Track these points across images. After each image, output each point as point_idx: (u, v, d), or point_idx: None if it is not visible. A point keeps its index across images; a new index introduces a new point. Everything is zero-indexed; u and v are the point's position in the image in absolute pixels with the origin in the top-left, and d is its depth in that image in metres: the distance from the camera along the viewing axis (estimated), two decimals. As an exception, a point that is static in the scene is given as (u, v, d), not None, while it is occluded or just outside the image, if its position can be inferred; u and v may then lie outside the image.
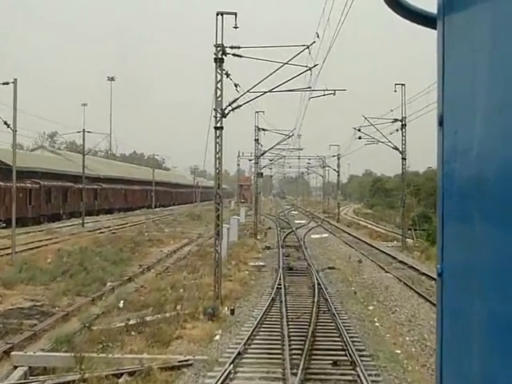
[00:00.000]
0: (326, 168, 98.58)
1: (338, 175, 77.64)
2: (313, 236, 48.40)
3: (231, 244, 37.71)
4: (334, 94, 24.61)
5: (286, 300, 20.21)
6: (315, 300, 20.06)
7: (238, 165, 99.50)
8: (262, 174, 68.76)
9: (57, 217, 62.31)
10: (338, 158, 76.08)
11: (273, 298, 20.50)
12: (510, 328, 1.19)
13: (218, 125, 20.44)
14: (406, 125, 40.49)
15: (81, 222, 58.53)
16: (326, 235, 49.18)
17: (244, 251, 35.66)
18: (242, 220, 62.31)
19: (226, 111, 20.72)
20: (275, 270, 28.00)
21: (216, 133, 20.44)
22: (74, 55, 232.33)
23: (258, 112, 46.03)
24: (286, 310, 18.62)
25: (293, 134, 47.26)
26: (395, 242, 44.82)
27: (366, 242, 43.01)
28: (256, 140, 46.52)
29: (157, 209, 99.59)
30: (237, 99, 20.94)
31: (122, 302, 19.76)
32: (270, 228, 57.53)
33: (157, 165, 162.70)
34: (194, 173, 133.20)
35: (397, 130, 41.42)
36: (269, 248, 38.56)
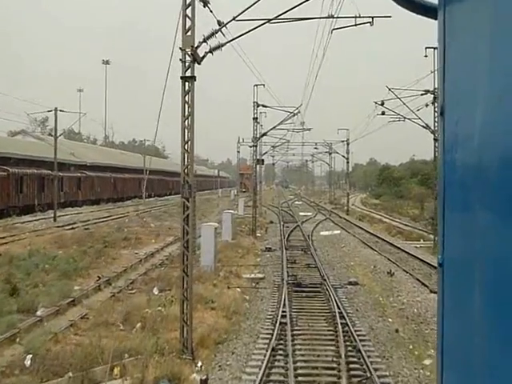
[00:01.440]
0: (333, 155, 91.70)
1: (348, 162, 70.05)
2: (322, 233, 40.83)
3: (224, 245, 30.32)
4: (372, 23, 16.42)
5: (294, 352, 12.71)
6: (342, 353, 12.55)
7: (238, 151, 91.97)
8: (262, 160, 61.23)
9: (30, 209, 54.82)
10: (348, 144, 68.54)
11: (273, 349, 12.98)
12: (510, 318, 1.20)
13: (188, 74, 12.90)
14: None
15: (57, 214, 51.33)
16: (338, 232, 41.61)
17: (238, 255, 28.13)
18: (241, 212, 54.94)
19: (201, 53, 13.17)
20: (277, 287, 20.58)
21: (184, 85, 12.91)
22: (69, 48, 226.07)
23: (257, 85, 38.49)
24: (296, 377, 11.15)
25: (299, 112, 39.61)
26: (422, 242, 37.37)
27: (387, 241, 35.46)
28: (255, 119, 38.76)
29: (151, 199, 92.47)
30: (216, 32, 13.24)
31: (29, 357, 12.28)
32: (271, 222, 50.03)
33: (157, 153, 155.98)
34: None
35: (426, 105, 34.02)
36: (270, 250, 31.03)
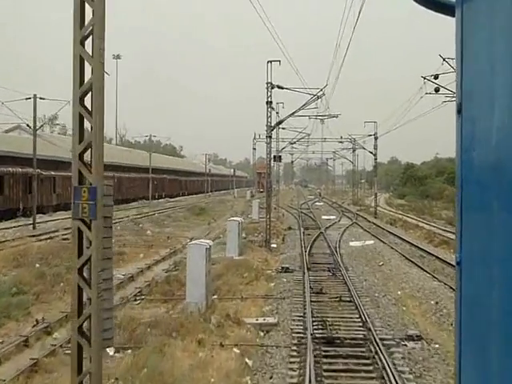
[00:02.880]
0: (356, 152, 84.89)
1: (376, 159, 62.39)
2: (352, 243, 33.30)
3: (226, 265, 23.09)
4: None
5: None
6: None
7: (254, 148, 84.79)
8: (280, 157, 54.12)
9: (14, 214, 47.96)
10: (376, 138, 61.04)
11: None
12: None
13: None
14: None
15: (41, 220, 44.67)
16: (371, 242, 33.99)
17: (244, 281, 20.69)
18: (255, 216, 47.72)
19: None
20: (297, 344, 13.22)
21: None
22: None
23: (270, 62, 31.09)
24: None
25: (323, 94, 32.17)
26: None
27: (436, 256, 27.90)
28: (268, 103, 31.29)
29: (161, 200, 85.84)
30: None
31: None
32: (290, 228, 42.67)
33: (173, 153, 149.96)
34: (207, 159, 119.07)
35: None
36: (287, 270, 23.61)
